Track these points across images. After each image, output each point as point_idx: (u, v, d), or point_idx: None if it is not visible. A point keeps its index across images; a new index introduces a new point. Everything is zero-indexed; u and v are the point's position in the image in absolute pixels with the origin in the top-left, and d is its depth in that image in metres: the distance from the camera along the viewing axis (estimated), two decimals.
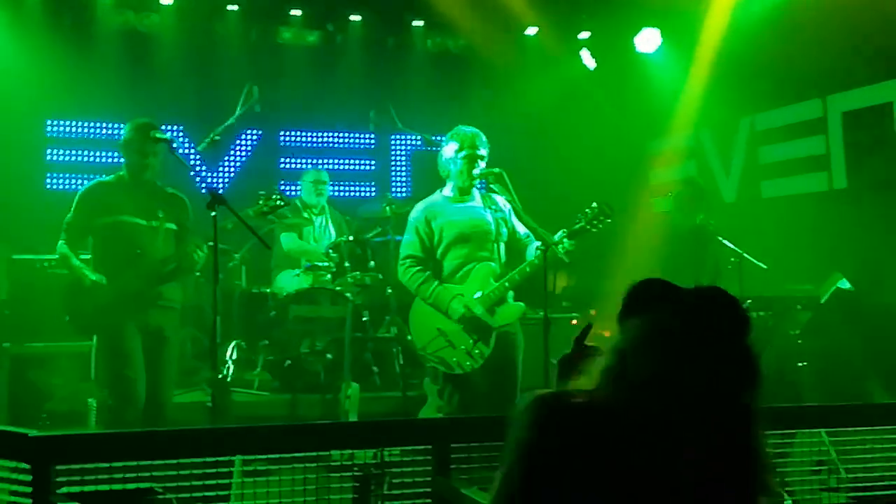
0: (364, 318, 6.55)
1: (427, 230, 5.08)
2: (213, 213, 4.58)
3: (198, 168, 8.47)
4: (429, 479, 3.20)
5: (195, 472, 3.00)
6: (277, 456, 3.22)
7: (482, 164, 5.10)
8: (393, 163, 9.63)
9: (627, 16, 8.26)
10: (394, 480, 3.30)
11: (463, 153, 5.06)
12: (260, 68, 8.52)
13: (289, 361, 6.46)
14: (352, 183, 9.40)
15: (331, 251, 6.62)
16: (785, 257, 6.46)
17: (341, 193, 8.99)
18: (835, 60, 6.52)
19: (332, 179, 7.77)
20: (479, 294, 4.94)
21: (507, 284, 4.96)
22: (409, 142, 9.53)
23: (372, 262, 6.66)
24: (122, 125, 5.20)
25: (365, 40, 8.98)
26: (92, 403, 5.41)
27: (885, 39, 6.17)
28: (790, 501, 3.63)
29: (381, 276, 6.75)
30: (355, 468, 3.37)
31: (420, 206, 5.22)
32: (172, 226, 5.04)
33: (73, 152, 8.41)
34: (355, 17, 8.90)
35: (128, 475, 2.93)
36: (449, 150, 5.14)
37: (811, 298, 6.13)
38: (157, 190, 5.08)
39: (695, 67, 7.84)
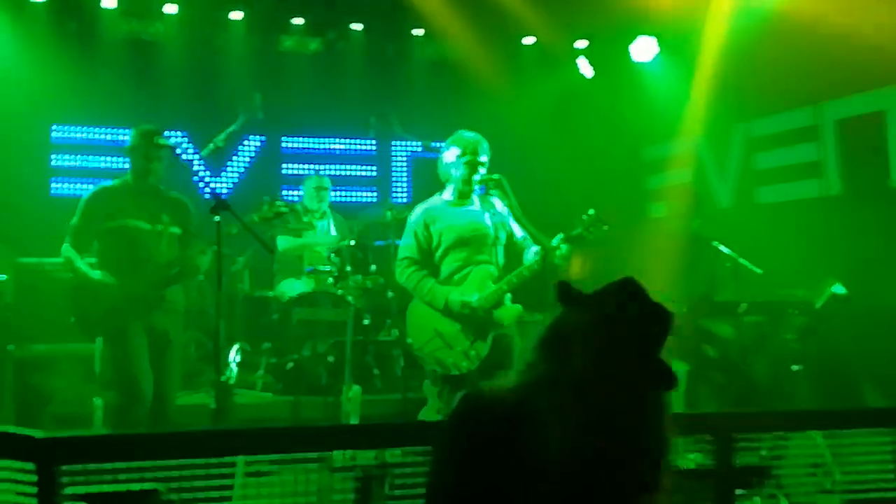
0: (365, 322, 6.57)
1: (426, 233, 5.10)
2: (217, 218, 4.64)
3: (201, 173, 8.52)
4: None
5: (198, 472, 3.02)
6: (280, 457, 3.24)
7: (483, 171, 5.12)
8: (394, 168, 9.70)
9: (624, 25, 8.32)
10: (395, 481, 3.32)
11: (465, 159, 5.08)
12: (262, 76, 8.60)
13: (291, 364, 6.51)
14: (353, 188, 9.46)
15: (332, 255, 6.68)
16: (779, 262, 6.50)
17: (343, 199, 9.05)
18: (828, 69, 6.59)
19: (333, 185, 7.83)
20: (476, 296, 4.98)
21: (504, 287, 4.97)
22: (409, 148, 9.60)
23: (373, 266, 6.69)
24: (126, 131, 5.24)
25: (366, 48, 9.05)
26: (98, 403, 5.45)
27: (878, 48, 6.23)
28: (785, 503, 3.69)
29: (382, 280, 6.79)
30: (357, 469, 3.41)
31: (419, 209, 5.22)
32: (177, 230, 5.07)
33: (78, 158, 8.46)
34: (356, 26, 8.96)
35: (132, 476, 2.95)
36: (450, 154, 5.15)
37: (806, 303, 6.15)
38: (161, 194, 5.11)
39: (691, 75, 7.90)
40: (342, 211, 7.86)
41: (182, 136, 8.53)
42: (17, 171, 7.80)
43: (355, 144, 9.58)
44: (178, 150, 5.30)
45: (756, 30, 7.19)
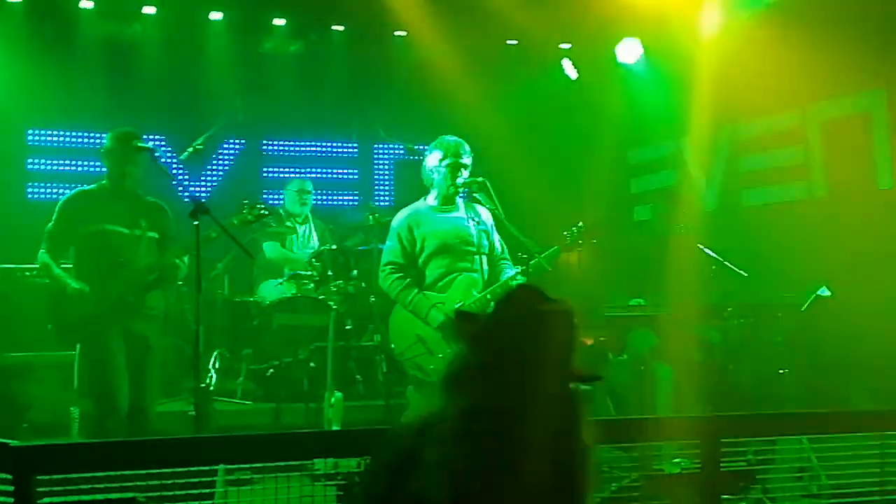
0: (347, 327, 6.58)
1: (409, 237, 5.09)
2: (196, 223, 4.57)
3: (180, 177, 8.43)
4: None
5: (178, 481, 2.99)
6: (261, 465, 3.22)
7: (465, 173, 5.12)
8: (376, 172, 9.64)
9: (609, 26, 8.31)
10: None
11: (447, 161, 5.09)
12: (243, 77, 8.52)
13: (272, 370, 6.46)
14: (335, 192, 9.40)
15: (314, 260, 6.63)
16: (765, 265, 6.50)
17: (324, 202, 8.99)
18: (814, 71, 6.58)
19: (314, 188, 7.79)
20: (460, 305, 4.94)
21: (488, 297, 4.97)
22: (391, 151, 9.55)
23: (355, 271, 6.64)
24: (103, 134, 5.16)
25: (348, 50, 8.99)
26: (74, 412, 5.37)
27: (863, 51, 6.24)
28: None
29: (364, 285, 6.74)
30: (339, 477, 3.37)
31: (403, 213, 5.23)
32: (154, 234, 5.03)
33: (55, 162, 8.38)
34: (338, 27, 8.91)
35: (110, 485, 2.91)
36: (433, 158, 5.15)
37: (791, 306, 6.16)
38: (138, 199, 5.06)
39: (675, 77, 7.89)
40: (323, 215, 7.81)
41: (160, 140, 8.44)
42: None
43: (337, 147, 9.53)
44: (157, 154, 5.22)
45: (741, 32, 7.19)
